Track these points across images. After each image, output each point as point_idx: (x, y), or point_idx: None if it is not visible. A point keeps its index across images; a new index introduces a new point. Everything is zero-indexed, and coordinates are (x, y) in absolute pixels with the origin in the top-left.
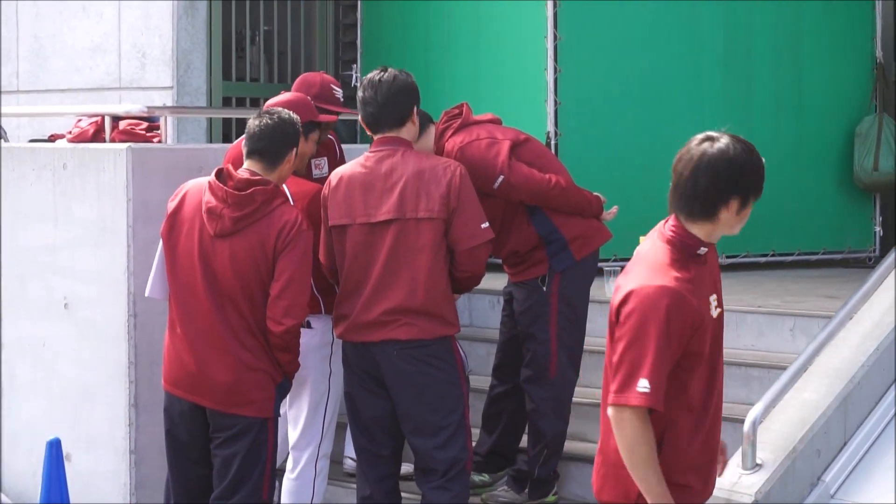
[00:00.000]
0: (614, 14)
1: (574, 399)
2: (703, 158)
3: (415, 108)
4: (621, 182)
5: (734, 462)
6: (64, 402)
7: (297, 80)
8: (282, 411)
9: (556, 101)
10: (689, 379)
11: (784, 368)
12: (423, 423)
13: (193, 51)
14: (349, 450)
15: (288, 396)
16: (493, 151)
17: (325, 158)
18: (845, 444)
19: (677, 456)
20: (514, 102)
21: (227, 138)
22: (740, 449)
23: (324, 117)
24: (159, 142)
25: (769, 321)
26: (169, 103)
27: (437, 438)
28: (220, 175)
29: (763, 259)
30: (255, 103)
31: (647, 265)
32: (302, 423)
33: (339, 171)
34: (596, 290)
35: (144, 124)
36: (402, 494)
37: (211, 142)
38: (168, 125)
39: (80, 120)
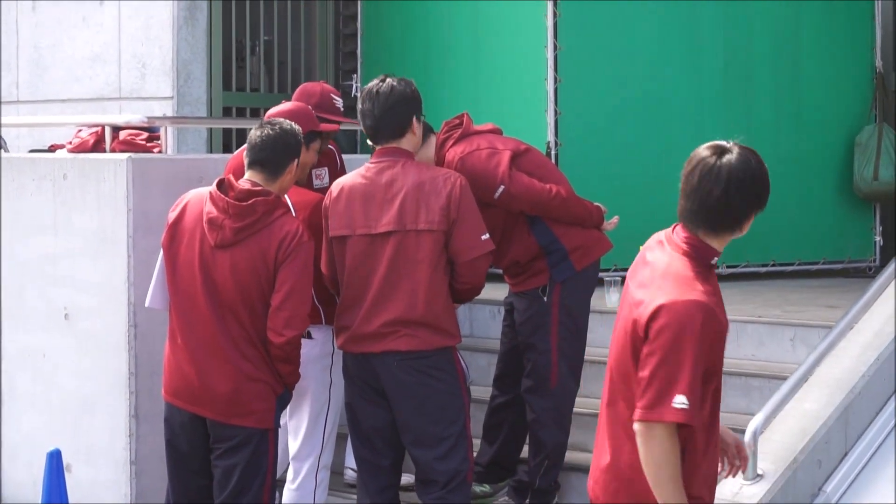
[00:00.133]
0: (615, 24)
1: (575, 409)
2: (732, 174)
3: (414, 118)
4: (621, 192)
5: None
6: (64, 412)
7: (298, 90)
8: (282, 422)
9: (556, 112)
10: (706, 394)
11: (784, 378)
12: (424, 435)
13: (193, 61)
14: (350, 460)
15: (288, 407)
16: (494, 161)
17: (326, 168)
18: (846, 454)
19: (693, 471)
20: (515, 112)
21: (227, 148)
22: None
23: (325, 127)
24: (159, 152)
25: (769, 331)
26: (169, 113)
27: (437, 450)
28: (222, 185)
29: (763, 269)
30: (256, 113)
31: (672, 279)
32: (302, 433)
33: (341, 181)
34: (597, 301)
35: (145, 134)
36: None
37: (211, 152)
38: (168, 135)
39: (80, 130)
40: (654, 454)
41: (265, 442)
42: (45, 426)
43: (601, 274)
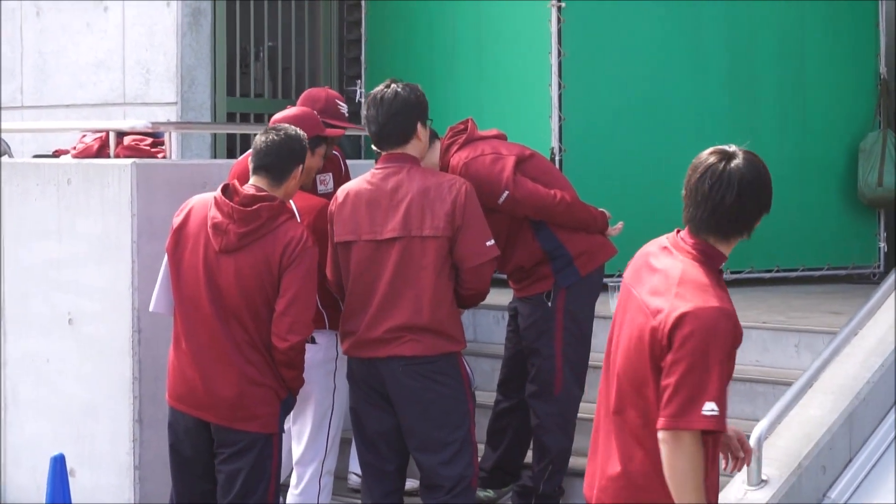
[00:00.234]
0: (619, 30)
1: (579, 415)
2: (743, 179)
3: (419, 124)
4: (626, 198)
5: (739, 478)
6: (68, 417)
7: (303, 96)
8: (286, 426)
9: (560, 117)
10: None
11: (789, 384)
12: (429, 440)
13: (198, 66)
14: (353, 465)
15: (292, 412)
16: (498, 167)
17: (331, 174)
18: (850, 460)
19: (707, 479)
20: (519, 118)
21: (231, 154)
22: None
23: (330, 132)
24: (164, 157)
25: (774, 337)
26: (173, 119)
27: (442, 455)
28: (226, 191)
29: (767, 275)
30: (260, 119)
31: (692, 286)
32: (306, 438)
33: (346, 187)
34: (601, 306)
35: (149, 140)
36: None
37: (215, 157)
38: (172, 141)
39: (84, 135)
40: (680, 463)
41: (269, 447)
42: (49, 431)
43: (605, 279)
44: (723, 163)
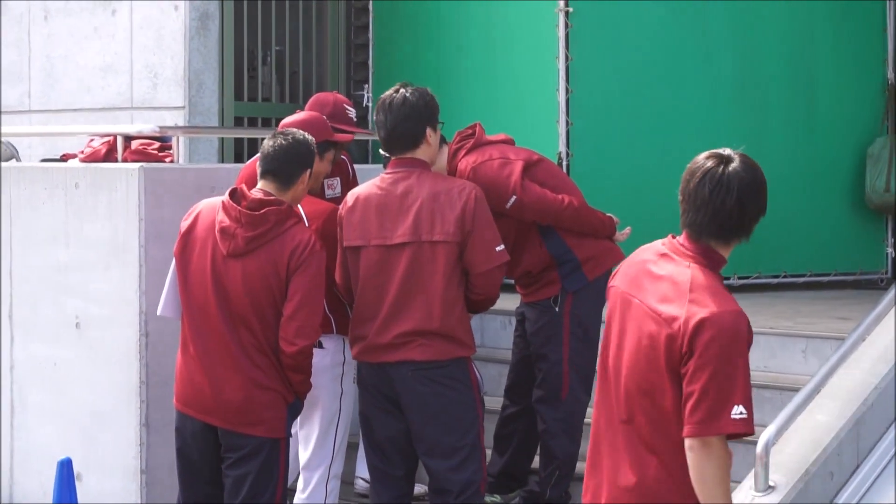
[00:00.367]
0: (626, 35)
1: (586, 420)
2: (742, 182)
3: (428, 129)
4: (633, 203)
5: (747, 484)
6: (75, 421)
7: (311, 100)
8: (293, 431)
9: (567, 122)
10: None
11: (796, 390)
12: (438, 445)
13: (205, 71)
14: (360, 470)
15: (299, 416)
16: (506, 171)
17: (338, 179)
18: (858, 466)
19: None
20: (526, 123)
21: (238, 158)
22: (753, 471)
23: (339, 136)
24: (171, 161)
25: (781, 342)
26: (181, 123)
27: (451, 460)
28: (234, 195)
29: (775, 280)
30: (267, 123)
31: (704, 291)
32: (313, 443)
33: (356, 191)
34: None
35: (156, 144)
36: None
37: (223, 162)
38: (180, 145)
39: (92, 140)
40: (711, 469)
41: (276, 451)
42: (56, 435)
43: None
44: (721, 167)
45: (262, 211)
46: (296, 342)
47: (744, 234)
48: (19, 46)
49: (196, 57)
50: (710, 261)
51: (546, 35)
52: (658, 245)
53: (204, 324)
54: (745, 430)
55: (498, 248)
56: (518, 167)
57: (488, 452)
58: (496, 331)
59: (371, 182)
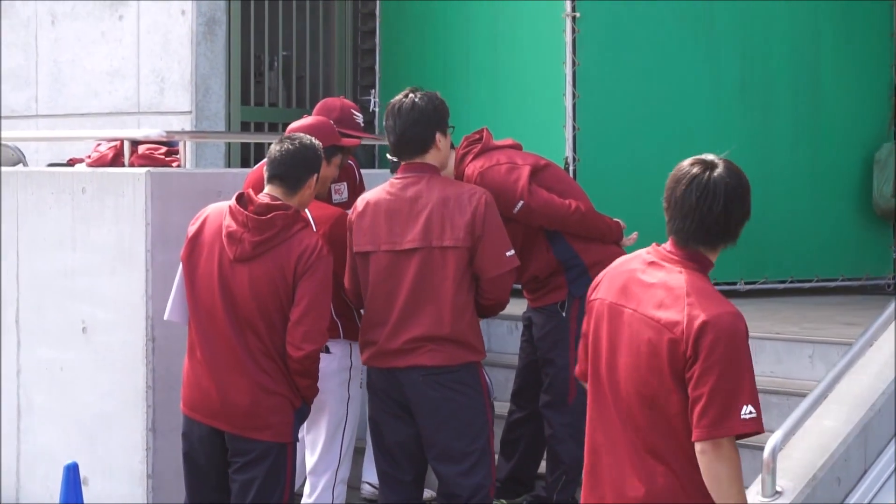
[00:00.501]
0: (633, 40)
1: None
2: (728, 188)
3: (437, 134)
4: (640, 208)
5: (754, 489)
6: (81, 426)
7: (318, 105)
8: (300, 436)
9: (574, 127)
10: None
11: (803, 395)
12: (448, 450)
13: (212, 75)
14: (366, 475)
15: (306, 421)
16: (513, 176)
17: (345, 183)
18: (865, 471)
19: None
20: (533, 128)
21: (245, 163)
22: (760, 476)
23: (346, 141)
24: (178, 166)
25: (788, 348)
26: (187, 128)
27: (461, 465)
28: (241, 199)
29: (781, 286)
30: (274, 128)
31: (701, 295)
32: (320, 448)
33: (366, 196)
34: None
35: (163, 149)
36: None
37: (229, 166)
38: (187, 150)
39: (99, 144)
40: (724, 470)
41: (283, 456)
42: (63, 440)
43: None
44: (706, 173)
45: (269, 216)
46: (303, 347)
47: (730, 239)
48: (27, 51)
49: (203, 62)
50: (700, 265)
51: (553, 40)
52: (643, 254)
53: (211, 328)
54: (755, 430)
55: (508, 253)
56: (525, 172)
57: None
58: (503, 336)
59: (381, 187)
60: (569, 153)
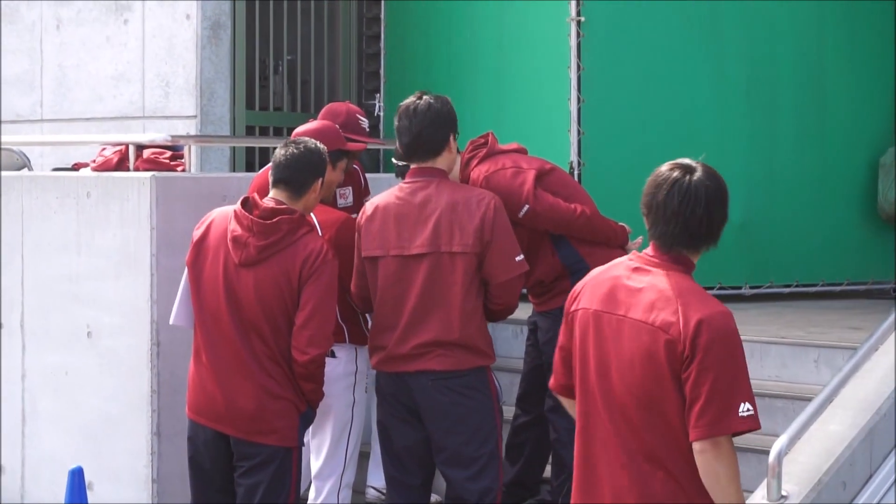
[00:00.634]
0: (638, 45)
1: None
2: (709, 191)
3: (450, 137)
4: None
5: (759, 494)
6: (86, 430)
7: (324, 110)
8: (305, 440)
9: (579, 131)
10: None
11: (808, 399)
12: (458, 454)
13: (217, 80)
14: (371, 479)
15: (311, 425)
16: (519, 180)
17: (350, 188)
18: (871, 476)
19: None
20: (538, 132)
21: (250, 167)
22: (765, 481)
23: (351, 145)
24: (183, 171)
25: (793, 352)
26: (192, 132)
27: (470, 469)
28: (246, 204)
29: (786, 290)
30: (279, 132)
31: (691, 295)
32: (325, 452)
33: (375, 200)
34: None
35: (168, 153)
36: None
37: (234, 171)
38: (192, 154)
39: (104, 149)
40: (723, 468)
41: (288, 460)
42: (68, 444)
43: None
44: (687, 177)
45: (274, 220)
46: (308, 351)
47: (712, 241)
48: (31, 55)
49: (208, 66)
50: (685, 267)
51: (558, 44)
52: (626, 261)
53: (216, 333)
54: (753, 427)
55: (517, 258)
56: (530, 176)
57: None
58: (508, 340)
59: (390, 191)
60: (574, 157)
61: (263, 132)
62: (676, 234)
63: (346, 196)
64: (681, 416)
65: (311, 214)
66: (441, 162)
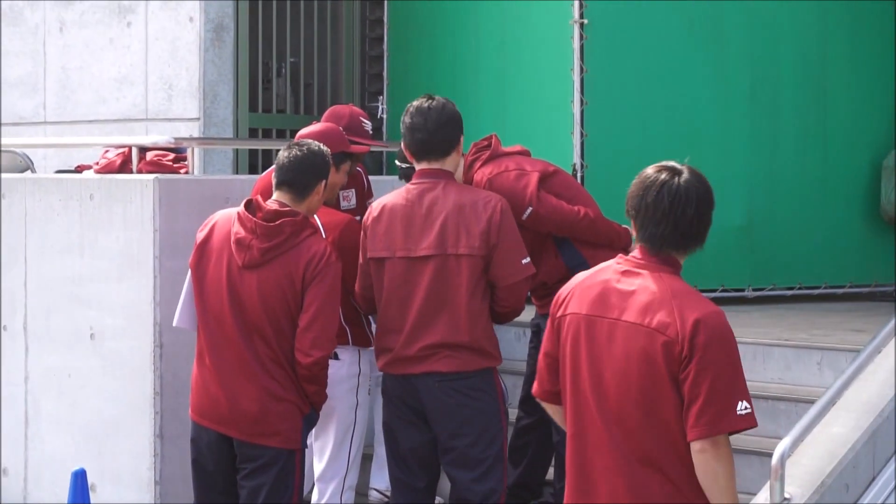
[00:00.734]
0: (641, 47)
1: None
2: (699, 192)
3: (460, 139)
4: None
5: (762, 496)
6: (89, 432)
7: (327, 113)
8: (308, 442)
9: (582, 134)
10: None
11: (811, 402)
12: (464, 456)
13: (220, 82)
14: (374, 481)
15: (314, 428)
16: (522, 183)
17: (353, 190)
18: (874, 478)
19: None
20: (540, 134)
21: (253, 169)
22: (768, 483)
23: (355, 148)
24: (186, 173)
25: (796, 354)
26: (195, 134)
27: (475, 471)
28: (250, 206)
29: (789, 292)
30: (282, 135)
31: (686, 295)
32: (328, 454)
33: (382, 200)
34: None
35: (171, 155)
36: None
37: (237, 173)
38: (195, 156)
39: (107, 151)
40: (722, 467)
41: (292, 462)
42: (70, 446)
43: None
44: (675, 178)
45: (277, 222)
46: (311, 353)
47: (701, 242)
48: (35, 58)
49: (211, 68)
50: (675, 269)
51: (561, 47)
52: (613, 265)
53: (220, 335)
54: (751, 425)
55: (524, 261)
56: (534, 178)
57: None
58: (511, 342)
59: (397, 192)
60: (577, 160)
61: (266, 134)
62: (668, 235)
63: (350, 198)
64: (678, 418)
65: (315, 216)
66: (449, 163)
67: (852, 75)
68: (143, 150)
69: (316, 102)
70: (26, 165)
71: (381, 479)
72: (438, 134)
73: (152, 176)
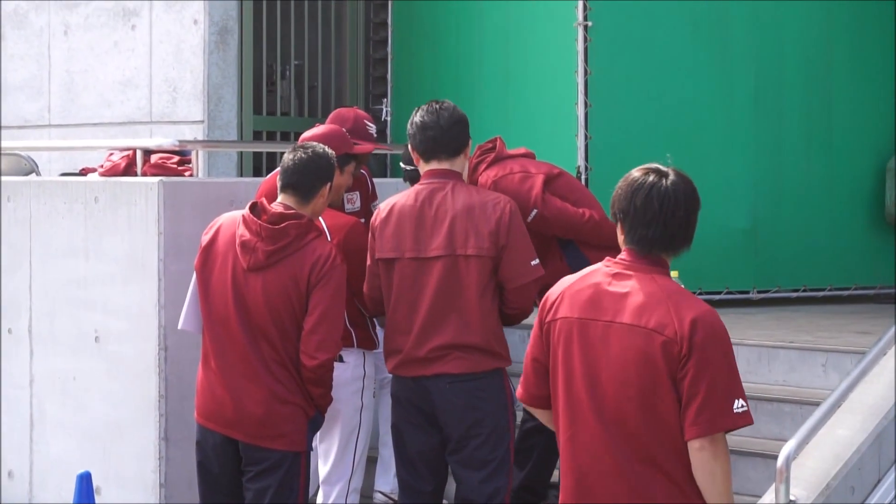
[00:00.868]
0: (645, 49)
1: None
2: (686, 193)
3: (469, 143)
4: None
5: (768, 498)
6: (94, 435)
7: (331, 115)
8: (313, 445)
9: (586, 136)
10: None
11: (816, 404)
12: (471, 457)
13: (224, 85)
14: (379, 484)
15: (319, 430)
16: (527, 185)
17: (358, 193)
18: (879, 480)
19: None
20: (545, 137)
21: (257, 172)
22: (773, 485)
23: (359, 149)
24: (191, 175)
25: (801, 356)
26: (200, 137)
27: (482, 472)
28: (255, 208)
29: (794, 294)
30: (286, 137)
31: (680, 295)
32: (333, 457)
33: (390, 201)
34: None
35: (176, 158)
36: None
37: (242, 176)
38: (199, 159)
39: (111, 154)
40: (720, 464)
41: (297, 465)
42: (75, 449)
43: None
44: (663, 180)
45: (282, 225)
46: (316, 356)
47: (689, 243)
48: (39, 61)
49: (215, 71)
50: (665, 270)
51: (565, 49)
52: (602, 267)
53: (225, 337)
54: (747, 422)
55: (533, 262)
56: (539, 181)
57: None
58: (515, 344)
59: (406, 192)
60: (581, 162)
61: (271, 137)
62: (658, 236)
63: (354, 201)
64: (677, 417)
65: (320, 219)
66: (458, 164)
67: (857, 78)
68: (147, 152)
69: (320, 105)
70: (31, 168)
71: (385, 482)
72: (451, 133)
73: (157, 179)
